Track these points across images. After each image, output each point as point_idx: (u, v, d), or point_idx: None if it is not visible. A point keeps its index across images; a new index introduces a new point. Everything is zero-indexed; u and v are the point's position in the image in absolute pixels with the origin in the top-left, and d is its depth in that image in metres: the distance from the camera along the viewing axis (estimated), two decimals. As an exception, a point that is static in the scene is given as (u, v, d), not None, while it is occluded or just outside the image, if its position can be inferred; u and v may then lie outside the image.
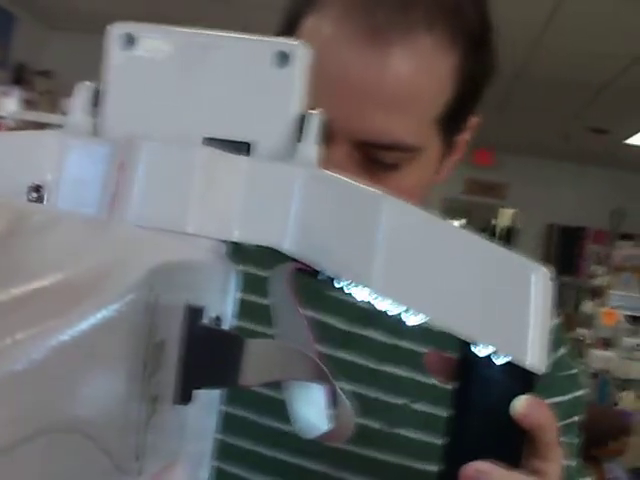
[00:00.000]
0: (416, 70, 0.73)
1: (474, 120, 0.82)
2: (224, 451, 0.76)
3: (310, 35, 0.74)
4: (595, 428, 3.28)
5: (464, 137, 0.83)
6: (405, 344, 0.81)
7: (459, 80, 0.76)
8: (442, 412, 0.78)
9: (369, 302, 0.79)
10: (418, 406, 0.79)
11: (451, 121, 0.77)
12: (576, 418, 0.84)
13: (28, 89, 5.74)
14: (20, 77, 5.87)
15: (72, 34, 5.84)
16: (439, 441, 0.76)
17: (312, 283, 0.79)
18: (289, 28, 0.76)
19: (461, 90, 0.76)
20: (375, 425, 0.79)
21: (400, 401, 0.80)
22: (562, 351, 0.85)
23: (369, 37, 0.71)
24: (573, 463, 0.83)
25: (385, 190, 0.44)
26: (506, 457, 0.46)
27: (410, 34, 0.72)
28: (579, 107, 5.93)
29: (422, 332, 0.77)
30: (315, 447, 0.77)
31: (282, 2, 0.79)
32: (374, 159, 0.74)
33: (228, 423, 0.79)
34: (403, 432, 0.79)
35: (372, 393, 0.80)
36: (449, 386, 0.77)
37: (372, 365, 0.81)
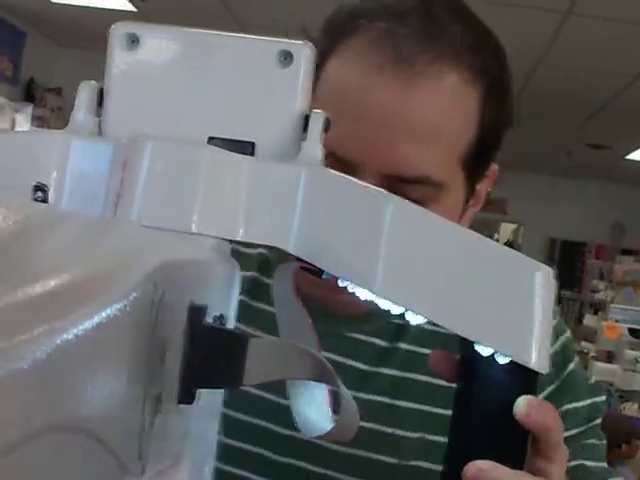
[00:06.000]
0: (441, 101, 0.73)
1: (494, 168, 0.83)
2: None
3: (337, 70, 0.75)
4: (608, 433, 3.38)
5: (484, 186, 0.83)
6: (417, 377, 0.82)
7: (481, 120, 0.76)
8: None
9: (386, 341, 0.81)
10: (432, 438, 0.80)
11: (474, 164, 0.77)
12: (598, 421, 0.86)
13: (39, 106, 5.81)
14: (31, 94, 5.94)
15: (80, 52, 5.88)
16: None
17: (332, 325, 0.80)
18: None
19: (483, 131, 0.76)
20: (391, 459, 0.80)
21: (415, 434, 0.81)
22: (572, 366, 0.86)
23: (395, 67, 0.72)
24: (604, 464, 0.85)
25: None
26: (509, 457, 0.45)
27: (435, 66, 0.72)
28: (581, 123, 5.96)
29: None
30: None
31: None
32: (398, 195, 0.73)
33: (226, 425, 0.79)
34: (418, 464, 0.80)
35: (388, 429, 0.81)
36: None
37: (387, 401, 0.82)
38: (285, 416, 0.80)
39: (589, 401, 0.84)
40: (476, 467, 0.44)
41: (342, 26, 0.76)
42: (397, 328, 0.84)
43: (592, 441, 0.84)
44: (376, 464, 0.80)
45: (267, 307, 0.84)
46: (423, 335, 0.82)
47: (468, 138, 0.76)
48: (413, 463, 0.80)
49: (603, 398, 0.88)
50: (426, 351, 0.81)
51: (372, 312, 0.82)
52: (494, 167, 0.83)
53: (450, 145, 0.75)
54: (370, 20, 0.75)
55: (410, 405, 0.81)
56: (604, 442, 0.86)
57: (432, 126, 0.73)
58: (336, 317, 0.81)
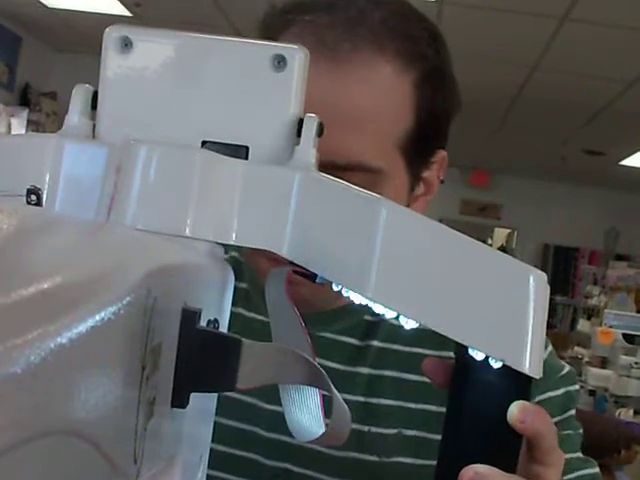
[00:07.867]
0: (368, 87, 0.73)
1: (441, 154, 0.82)
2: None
3: None
4: (607, 438, 3.39)
5: (434, 174, 0.82)
6: (390, 373, 0.83)
7: (418, 106, 0.76)
8: (432, 435, 0.80)
9: (358, 339, 0.81)
10: (409, 433, 0.81)
11: (415, 152, 0.77)
12: (572, 412, 0.85)
13: (35, 110, 5.81)
14: (26, 98, 5.94)
15: (76, 56, 5.87)
16: (431, 462, 0.78)
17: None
18: None
19: (421, 117, 0.76)
20: (372, 457, 0.80)
21: (392, 431, 0.81)
22: (548, 349, 0.86)
23: (318, 56, 0.71)
24: (579, 454, 0.84)
25: None
26: (501, 461, 0.45)
27: (359, 52, 0.73)
28: (575, 129, 5.99)
29: (405, 359, 0.81)
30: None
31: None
32: None
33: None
34: (398, 459, 0.81)
35: (364, 427, 0.81)
36: (436, 409, 0.79)
37: (361, 399, 0.82)
38: (267, 419, 0.80)
39: (562, 390, 0.84)
40: (473, 471, 0.44)
41: (273, 24, 0.78)
42: (368, 325, 0.84)
43: (568, 432, 0.84)
44: (357, 463, 0.80)
45: (243, 311, 0.84)
46: (394, 331, 0.82)
47: (404, 124, 0.75)
48: (394, 459, 0.80)
49: (577, 387, 0.87)
50: (398, 347, 0.82)
51: (340, 310, 0.82)
52: (442, 153, 0.82)
53: (383, 130, 0.74)
54: (298, 14, 0.76)
55: (384, 402, 0.81)
56: (580, 432, 0.85)
57: (359, 111, 0.73)
58: (305, 316, 0.82)
